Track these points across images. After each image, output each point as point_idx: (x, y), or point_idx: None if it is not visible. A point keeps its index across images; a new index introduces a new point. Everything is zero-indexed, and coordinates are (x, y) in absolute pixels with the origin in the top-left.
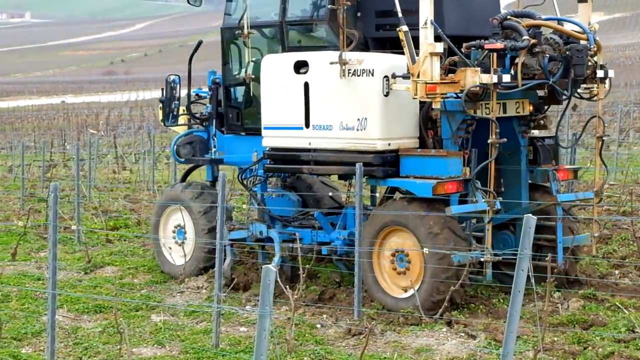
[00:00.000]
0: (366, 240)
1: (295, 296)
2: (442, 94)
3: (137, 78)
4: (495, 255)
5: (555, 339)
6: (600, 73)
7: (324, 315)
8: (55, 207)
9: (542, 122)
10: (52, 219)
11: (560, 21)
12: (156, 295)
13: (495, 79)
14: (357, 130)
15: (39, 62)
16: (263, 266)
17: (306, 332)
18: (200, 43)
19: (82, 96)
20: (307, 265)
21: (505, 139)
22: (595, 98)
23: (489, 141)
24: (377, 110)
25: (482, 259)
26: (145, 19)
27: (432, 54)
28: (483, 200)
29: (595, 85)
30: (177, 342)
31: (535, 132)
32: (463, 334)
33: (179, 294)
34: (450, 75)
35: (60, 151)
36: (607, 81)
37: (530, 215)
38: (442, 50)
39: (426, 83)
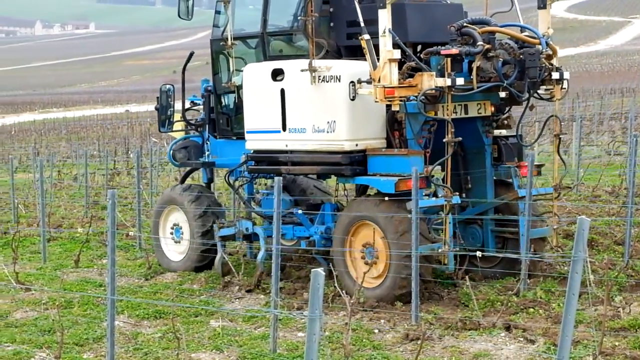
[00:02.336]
0: (338, 234)
1: (352, 301)
2: (400, 97)
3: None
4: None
5: (617, 343)
6: (555, 75)
7: (382, 321)
8: (113, 214)
9: (505, 122)
10: (110, 226)
11: (515, 27)
12: (215, 301)
13: (449, 82)
14: (327, 132)
15: (104, 72)
16: (312, 270)
17: (363, 337)
18: (192, 54)
19: (145, 105)
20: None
21: (460, 138)
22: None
23: (444, 140)
24: (344, 113)
25: (439, 251)
26: (206, 28)
27: (391, 60)
28: (441, 195)
29: (553, 87)
30: (235, 347)
31: (503, 132)
32: (522, 339)
33: (237, 300)
34: (408, 79)
35: (123, 159)
36: (563, 82)
37: (584, 217)
38: (399, 57)
39: (384, 87)
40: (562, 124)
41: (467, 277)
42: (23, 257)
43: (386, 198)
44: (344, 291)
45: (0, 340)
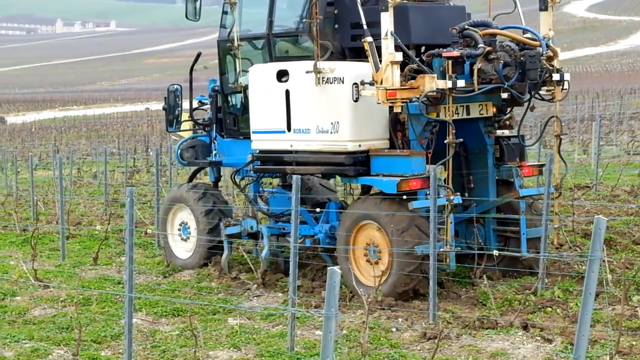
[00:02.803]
0: (342, 234)
1: (370, 299)
2: (402, 99)
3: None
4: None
5: (634, 343)
6: (556, 76)
7: (399, 319)
8: (131, 211)
9: (507, 122)
10: (128, 223)
11: (517, 29)
12: (233, 299)
13: (450, 84)
14: (331, 133)
15: (124, 70)
16: (328, 268)
17: (381, 336)
18: (199, 55)
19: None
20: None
21: (461, 139)
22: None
23: (445, 141)
24: (347, 114)
25: (441, 250)
26: None
27: (393, 63)
28: (442, 195)
29: (553, 88)
30: (252, 345)
31: (506, 132)
32: (539, 338)
33: (255, 298)
34: (410, 81)
35: (143, 157)
36: (564, 84)
37: (600, 217)
38: (401, 59)
39: (386, 89)
40: (583, 123)
41: (485, 276)
42: (42, 254)
43: (403, 197)
44: (360, 290)
45: (18, 337)
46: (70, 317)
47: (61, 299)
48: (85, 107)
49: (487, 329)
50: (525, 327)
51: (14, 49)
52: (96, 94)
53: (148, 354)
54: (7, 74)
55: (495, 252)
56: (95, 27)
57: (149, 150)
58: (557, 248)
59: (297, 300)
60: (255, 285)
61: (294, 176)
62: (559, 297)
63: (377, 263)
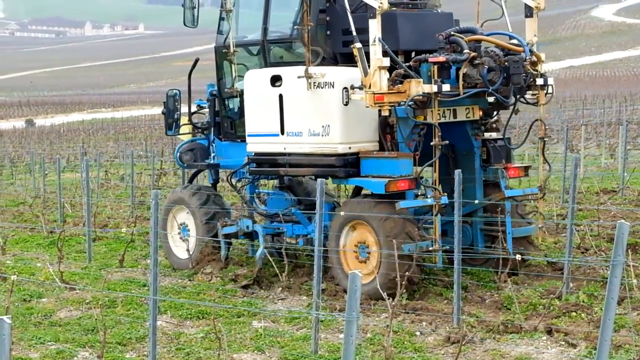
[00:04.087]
0: (333, 233)
1: (394, 303)
2: (389, 102)
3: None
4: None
5: None
6: (539, 81)
7: (423, 323)
8: (156, 214)
9: (494, 125)
10: (153, 226)
11: (502, 36)
12: (257, 302)
13: (435, 88)
14: (322, 135)
15: (152, 72)
16: (349, 272)
17: (405, 340)
18: (197, 60)
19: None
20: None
21: (446, 141)
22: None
23: (431, 143)
24: (337, 117)
25: (430, 248)
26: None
27: (380, 68)
28: (430, 196)
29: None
30: (276, 348)
31: (493, 135)
32: (563, 343)
33: (280, 301)
34: (397, 85)
35: (170, 160)
36: (548, 88)
37: (623, 221)
38: (388, 64)
39: (374, 93)
40: (610, 127)
41: (509, 280)
42: (68, 256)
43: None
44: (385, 293)
45: (44, 339)
46: (96, 319)
47: (87, 301)
48: (114, 109)
49: (511, 333)
50: (549, 332)
51: (43, 51)
52: (124, 97)
53: (172, 356)
54: (36, 76)
55: (518, 257)
56: (124, 29)
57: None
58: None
59: (321, 304)
60: (280, 289)
61: (318, 180)
62: (583, 301)
63: (366, 262)
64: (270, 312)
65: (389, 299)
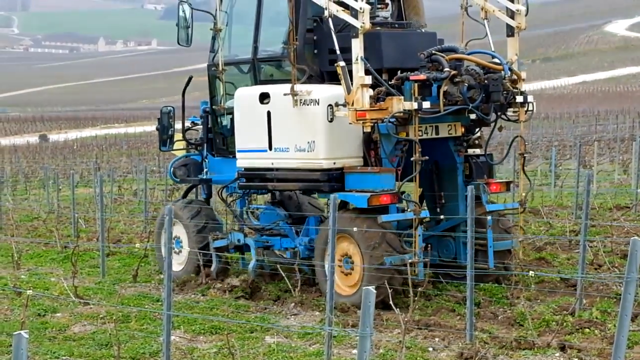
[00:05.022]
0: (319, 246)
1: (407, 319)
2: (371, 119)
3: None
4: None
5: None
6: (519, 98)
7: (436, 339)
8: (170, 230)
9: (476, 142)
10: (166, 241)
11: (484, 54)
12: (270, 317)
13: (415, 105)
14: (307, 151)
15: (165, 88)
16: (363, 288)
17: (417, 356)
18: (190, 78)
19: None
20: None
21: (426, 157)
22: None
23: (411, 159)
24: (322, 134)
25: (409, 261)
26: None
27: (363, 85)
28: (409, 210)
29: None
30: None
31: (477, 151)
32: (576, 359)
33: (292, 316)
34: (379, 103)
35: None
36: (528, 105)
37: (636, 237)
38: (370, 82)
39: (356, 110)
40: (623, 143)
41: (522, 296)
42: (82, 271)
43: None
44: (397, 308)
45: (58, 353)
46: (110, 334)
47: (101, 315)
48: (126, 124)
49: (524, 349)
50: (562, 348)
51: (57, 67)
52: (137, 112)
53: None
54: (50, 91)
55: (531, 273)
56: (137, 45)
57: None
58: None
59: (334, 319)
60: (293, 304)
61: (331, 196)
62: (597, 318)
63: (350, 274)
64: (283, 328)
65: (401, 314)
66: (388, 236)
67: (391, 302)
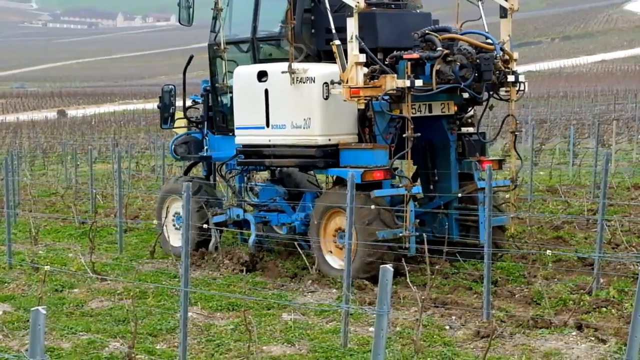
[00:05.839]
0: (315, 220)
1: (424, 297)
2: (365, 96)
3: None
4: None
5: None
6: (511, 78)
7: (453, 317)
8: (188, 206)
9: (469, 120)
10: (185, 217)
11: (477, 35)
12: (287, 294)
13: (408, 83)
14: (304, 128)
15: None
16: (380, 267)
17: (434, 334)
18: (191, 57)
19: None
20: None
21: (419, 134)
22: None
23: (403, 135)
24: (318, 111)
25: (399, 235)
26: None
27: (357, 64)
28: (401, 185)
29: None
30: (306, 341)
31: (470, 129)
32: (593, 338)
33: (309, 294)
34: (373, 80)
35: None
36: (519, 85)
37: None
38: (364, 60)
39: (350, 87)
40: None
41: (539, 274)
42: (100, 247)
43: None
44: (415, 287)
45: (75, 329)
46: (127, 310)
47: (118, 291)
48: (145, 101)
49: (540, 328)
50: (579, 327)
51: (76, 42)
52: (156, 88)
53: (203, 347)
54: (69, 67)
55: (549, 252)
56: (155, 21)
57: None
58: (511, 237)
59: (351, 297)
60: (310, 281)
61: (348, 174)
62: (614, 297)
63: (343, 248)
64: (300, 305)
65: (418, 292)
66: (381, 211)
67: (408, 280)
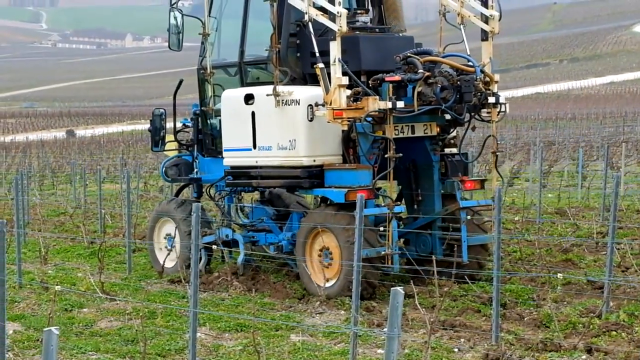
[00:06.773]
0: (300, 239)
1: (432, 319)
2: (348, 118)
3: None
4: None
5: None
6: (491, 99)
7: (462, 340)
8: (197, 227)
9: (452, 141)
10: (194, 238)
11: (459, 57)
12: (296, 315)
13: (390, 105)
14: (289, 149)
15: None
16: (391, 289)
17: (443, 356)
18: (181, 81)
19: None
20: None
21: (401, 154)
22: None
23: (385, 156)
24: (303, 132)
25: (383, 253)
26: None
27: (340, 86)
28: (384, 205)
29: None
30: None
31: (454, 150)
32: None
33: (318, 315)
34: (356, 102)
35: None
36: (500, 106)
37: None
38: (347, 83)
39: (334, 109)
40: None
41: (548, 297)
42: (109, 267)
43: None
44: (423, 309)
45: (85, 348)
46: (136, 330)
47: (127, 311)
48: None
49: (550, 351)
50: (589, 351)
51: (85, 62)
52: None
53: None
54: (78, 87)
55: (559, 275)
56: (163, 42)
57: None
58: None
59: (360, 319)
60: (318, 302)
61: (358, 195)
62: (624, 321)
63: (329, 266)
64: (308, 326)
65: (426, 314)
66: (365, 230)
67: (417, 302)
